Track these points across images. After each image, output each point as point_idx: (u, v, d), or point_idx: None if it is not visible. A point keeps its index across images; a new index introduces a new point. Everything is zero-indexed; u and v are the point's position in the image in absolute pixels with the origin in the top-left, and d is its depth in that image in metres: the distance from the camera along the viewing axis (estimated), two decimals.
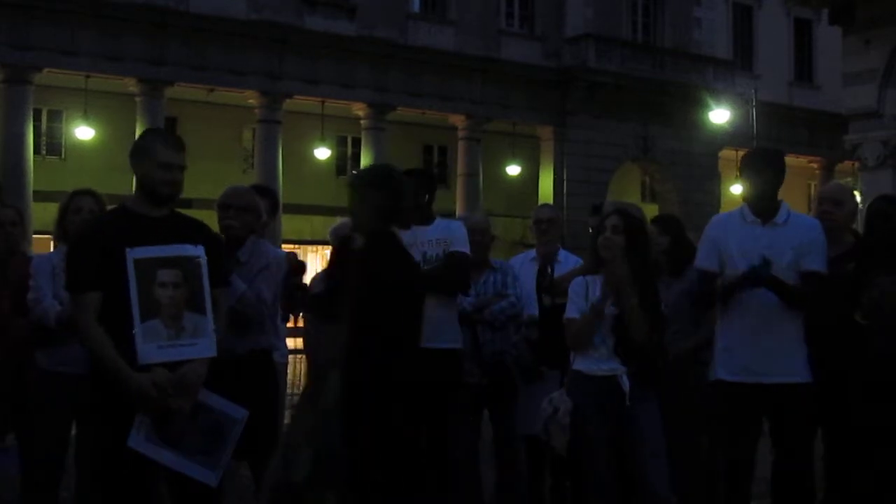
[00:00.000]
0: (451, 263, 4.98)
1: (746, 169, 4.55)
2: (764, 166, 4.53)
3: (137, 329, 3.50)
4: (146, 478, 3.60)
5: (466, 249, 5.06)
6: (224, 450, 3.73)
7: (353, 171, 4.35)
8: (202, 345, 3.63)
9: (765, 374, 4.33)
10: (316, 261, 22.27)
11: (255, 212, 4.79)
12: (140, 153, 3.75)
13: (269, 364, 4.74)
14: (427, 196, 5.15)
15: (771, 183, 4.50)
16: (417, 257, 5.00)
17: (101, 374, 3.60)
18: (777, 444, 4.45)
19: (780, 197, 4.55)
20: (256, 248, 4.69)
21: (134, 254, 3.54)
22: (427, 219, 5.12)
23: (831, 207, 5.01)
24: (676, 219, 5.57)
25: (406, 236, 5.03)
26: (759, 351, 4.33)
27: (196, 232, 3.79)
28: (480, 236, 5.44)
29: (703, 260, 4.53)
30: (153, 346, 3.53)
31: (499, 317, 5.37)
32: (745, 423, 4.41)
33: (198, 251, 3.69)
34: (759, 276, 4.24)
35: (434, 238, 5.04)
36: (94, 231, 3.86)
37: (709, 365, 4.65)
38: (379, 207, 4.02)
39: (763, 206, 4.46)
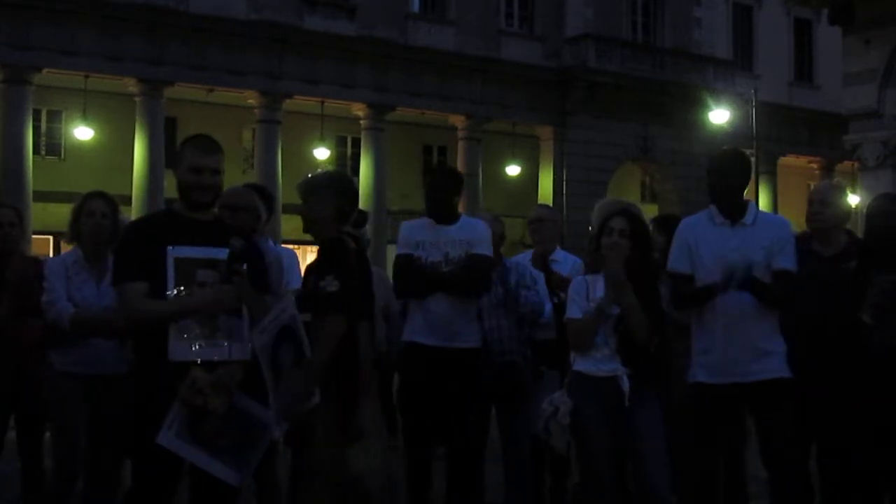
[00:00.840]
0: (471, 265, 5.00)
1: (713, 171, 4.56)
2: (730, 168, 4.55)
3: (171, 325, 3.56)
4: (173, 473, 3.65)
5: (489, 252, 5.09)
6: (253, 453, 3.77)
7: (308, 175, 4.42)
8: (236, 347, 3.68)
9: (742, 373, 4.32)
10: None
11: (254, 211, 4.80)
12: (177, 158, 3.84)
13: None
14: (456, 198, 5.17)
15: (737, 184, 4.53)
16: (440, 257, 5.02)
17: (143, 369, 3.67)
18: (764, 443, 4.44)
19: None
20: None
21: (175, 252, 3.61)
22: (451, 218, 5.13)
23: (819, 208, 5.04)
24: (677, 218, 5.55)
25: (429, 235, 5.07)
26: (736, 350, 4.32)
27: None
28: None
29: (676, 262, 4.53)
30: (186, 344, 3.58)
31: (525, 306, 5.36)
32: (729, 423, 4.39)
33: None
34: (746, 280, 4.24)
35: (457, 238, 5.05)
36: (141, 229, 3.94)
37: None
38: (338, 209, 4.13)
39: (731, 207, 4.47)
